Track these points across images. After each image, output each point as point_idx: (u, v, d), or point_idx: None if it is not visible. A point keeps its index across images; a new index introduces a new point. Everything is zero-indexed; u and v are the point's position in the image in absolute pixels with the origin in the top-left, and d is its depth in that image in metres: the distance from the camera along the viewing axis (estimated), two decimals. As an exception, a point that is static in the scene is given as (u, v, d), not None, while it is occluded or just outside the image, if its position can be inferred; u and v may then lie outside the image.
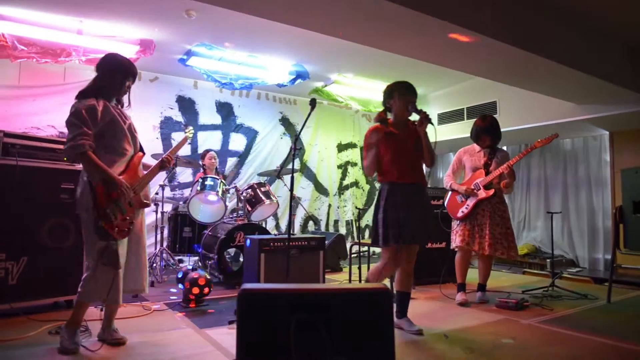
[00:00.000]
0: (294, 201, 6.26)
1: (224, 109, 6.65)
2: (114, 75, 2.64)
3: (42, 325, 2.99)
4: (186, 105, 6.35)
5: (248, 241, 3.91)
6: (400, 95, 3.15)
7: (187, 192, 6.02)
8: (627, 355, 2.73)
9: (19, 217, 3.21)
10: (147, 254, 2.83)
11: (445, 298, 4.12)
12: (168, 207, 5.45)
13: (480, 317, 3.52)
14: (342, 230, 7.65)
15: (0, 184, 3.16)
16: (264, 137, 7.00)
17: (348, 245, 5.77)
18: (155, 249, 4.94)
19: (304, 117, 7.33)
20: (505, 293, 4.26)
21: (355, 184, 8.05)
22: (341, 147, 7.91)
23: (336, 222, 7.71)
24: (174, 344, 2.77)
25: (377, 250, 7.33)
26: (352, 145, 8.06)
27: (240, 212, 5.13)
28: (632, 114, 5.51)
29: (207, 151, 5.68)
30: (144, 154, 2.83)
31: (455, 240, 4.02)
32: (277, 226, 6.92)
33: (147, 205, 2.77)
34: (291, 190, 3.27)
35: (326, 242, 5.64)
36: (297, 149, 3.39)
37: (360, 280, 4.71)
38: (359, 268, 4.57)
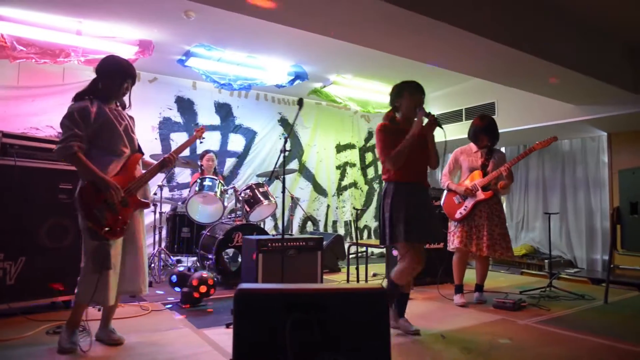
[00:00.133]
0: (292, 202, 6.28)
1: (223, 110, 6.66)
2: (113, 77, 2.66)
3: (39, 325, 3.00)
4: (185, 105, 6.36)
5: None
6: (410, 94, 3.12)
7: (185, 192, 6.03)
8: (624, 355, 2.74)
9: (18, 217, 3.22)
10: (145, 255, 2.79)
11: (442, 298, 4.13)
12: (167, 208, 5.45)
13: (477, 318, 3.53)
14: (341, 231, 7.66)
15: (-1, 184, 3.17)
16: (262, 138, 7.00)
17: (346, 245, 5.78)
18: (154, 249, 4.94)
19: (303, 119, 7.41)
20: (503, 293, 4.27)
21: (354, 184, 8.06)
22: (340, 148, 7.92)
23: (335, 222, 7.72)
24: (172, 344, 2.78)
25: (376, 250, 7.40)
26: (350, 146, 8.07)
27: (238, 212, 5.14)
28: (630, 115, 5.52)
29: (206, 152, 5.69)
30: (142, 154, 2.83)
31: (454, 242, 4.02)
32: (276, 227, 6.93)
33: (146, 205, 2.77)
34: (283, 191, 3.30)
35: (325, 242, 5.66)
36: (288, 150, 3.40)
37: (358, 281, 4.71)
38: (357, 268, 4.58)
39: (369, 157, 8.35)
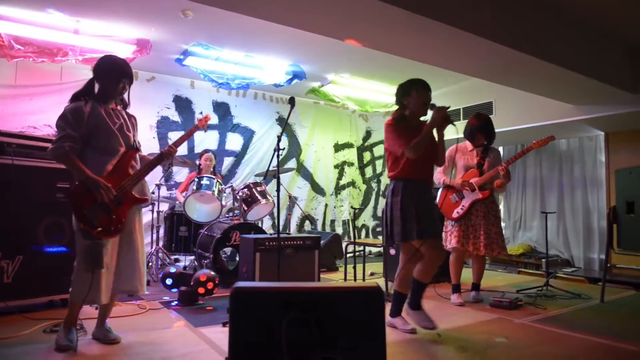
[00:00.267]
0: (290, 201, 6.29)
1: (221, 109, 6.66)
2: (109, 76, 2.68)
3: (37, 323, 3.01)
4: (183, 105, 6.35)
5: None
6: (418, 92, 3.11)
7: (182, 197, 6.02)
8: (620, 354, 2.75)
9: (15, 216, 3.23)
10: (143, 254, 2.79)
11: (439, 297, 4.14)
12: (164, 207, 5.45)
13: (474, 317, 3.54)
14: (339, 230, 7.66)
15: (-4, 183, 3.17)
16: (260, 137, 7.00)
17: (344, 244, 5.79)
18: (151, 248, 4.95)
19: (301, 118, 7.42)
20: (500, 292, 4.29)
21: (352, 183, 8.06)
22: (338, 147, 7.92)
23: (333, 221, 7.73)
24: (169, 343, 2.79)
25: (374, 249, 7.40)
26: (348, 145, 8.07)
27: (236, 211, 5.15)
28: (627, 114, 5.54)
29: (205, 151, 5.69)
30: (137, 150, 2.80)
31: (451, 242, 4.03)
32: (274, 226, 6.93)
33: (142, 200, 2.76)
34: (277, 190, 3.29)
35: (322, 241, 5.68)
36: (282, 149, 3.40)
37: (355, 280, 4.72)
38: (354, 267, 4.59)
39: (367, 156, 8.36)
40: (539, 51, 4.21)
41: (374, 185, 8.37)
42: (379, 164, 8.47)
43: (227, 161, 6.72)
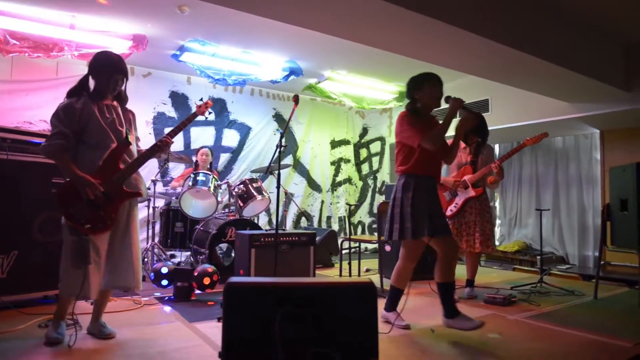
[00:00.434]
0: (286, 197, 6.30)
1: (217, 105, 6.65)
2: (102, 72, 2.69)
3: (32, 318, 3.02)
4: (180, 100, 6.35)
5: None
6: (431, 86, 3.06)
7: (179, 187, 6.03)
8: (611, 349, 2.77)
9: (10, 211, 3.22)
10: (138, 250, 2.78)
11: (434, 293, 4.15)
12: (160, 202, 5.46)
13: (468, 313, 3.51)
14: (335, 227, 7.68)
15: (-9, 178, 3.17)
16: (257, 133, 7.00)
17: (339, 241, 5.81)
18: (147, 244, 4.95)
19: (297, 114, 7.41)
20: (494, 289, 4.31)
21: (349, 180, 8.08)
22: (334, 144, 7.93)
23: (329, 218, 7.75)
24: (163, 338, 2.80)
25: (370, 246, 7.42)
26: (345, 142, 8.08)
27: (232, 207, 5.16)
28: (623, 112, 5.55)
29: (202, 147, 5.72)
30: (129, 144, 2.75)
31: None
32: (270, 222, 6.94)
33: (133, 195, 2.73)
34: (277, 187, 3.29)
35: (318, 238, 5.70)
36: (284, 146, 3.37)
37: (350, 276, 4.74)
38: (349, 264, 4.61)
39: (363, 153, 8.37)
40: (537, 50, 4.22)
41: (370, 182, 8.39)
42: (375, 160, 8.48)
43: (224, 157, 6.72)
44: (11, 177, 3.25)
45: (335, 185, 7.89)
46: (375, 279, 4.35)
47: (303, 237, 4.10)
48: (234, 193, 5.03)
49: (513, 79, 5.20)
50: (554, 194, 7.17)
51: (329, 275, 5.32)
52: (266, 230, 4.34)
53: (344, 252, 5.12)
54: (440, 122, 3.03)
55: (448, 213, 4.01)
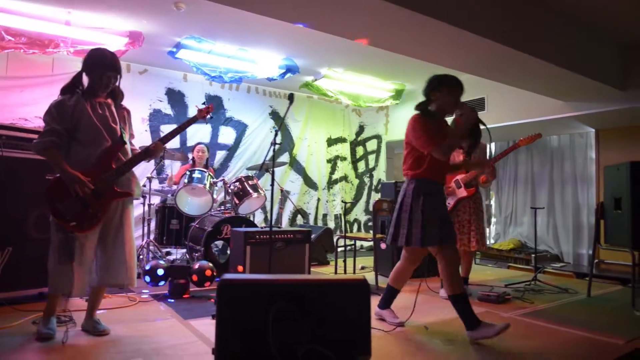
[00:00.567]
0: (282, 195, 6.30)
1: (214, 102, 6.63)
2: (94, 69, 2.68)
3: (26, 315, 3.01)
4: (176, 98, 6.34)
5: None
6: (451, 90, 2.96)
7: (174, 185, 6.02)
8: (602, 346, 2.80)
9: (4, 208, 3.22)
10: (132, 247, 2.77)
11: (429, 291, 4.18)
12: (156, 200, 5.46)
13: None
14: (331, 224, 7.69)
15: (-15, 174, 3.17)
16: (253, 131, 7.00)
17: (335, 238, 5.82)
18: (142, 241, 4.95)
19: (294, 112, 7.42)
20: (488, 287, 4.33)
21: (345, 178, 8.09)
22: (331, 142, 7.94)
23: (325, 216, 7.76)
24: (158, 335, 2.80)
25: (365, 244, 7.43)
26: (341, 140, 8.09)
27: (227, 205, 5.16)
28: (617, 112, 5.58)
29: (198, 144, 5.72)
30: (124, 144, 2.76)
31: None
32: (267, 219, 6.95)
33: (124, 195, 2.73)
34: (272, 184, 3.28)
35: (314, 235, 5.71)
36: (278, 144, 3.37)
37: (345, 273, 4.76)
38: (344, 261, 4.62)
39: (359, 151, 8.38)
40: (533, 49, 4.24)
41: (366, 179, 8.40)
42: (371, 158, 8.50)
43: (220, 155, 6.72)
44: (6, 174, 3.25)
45: (331, 183, 7.90)
46: (371, 276, 4.36)
47: (298, 234, 4.11)
48: (229, 190, 5.04)
49: (509, 77, 5.21)
50: (549, 192, 7.20)
51: (325, 272, 5.33)
52: (262, 228, 4.35)
53: (339, 249, 5.13)
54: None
55: None
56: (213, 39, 5.28)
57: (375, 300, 3.60)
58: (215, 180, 5.09)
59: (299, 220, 7.28)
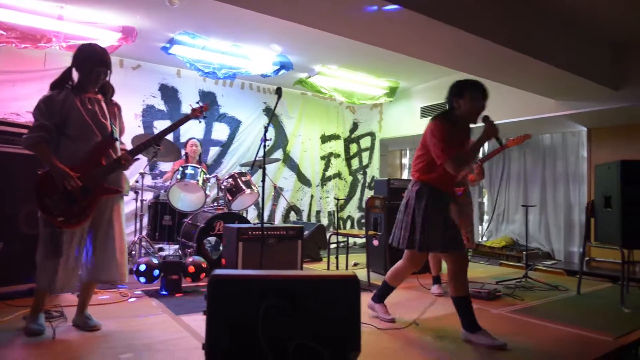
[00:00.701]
0: (275, 191, 6.31)
1: (207, 98, 6.63)
2: (84, 65, 2.67)
3: (17, 310, 3.00)
4: (169, 93, 6.32)
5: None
6: (473, 97, 2.81)
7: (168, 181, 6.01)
8: (591, 343, 2.82)
9: (-5, 203, 3.21)
10: (122, 244, 2.76)
11: (421, 288, 4.20)
12: (148, 195, 5.44)
13: (452, 307, 3.57)
14: (324, 221, 7.70)
15: (-24, 169, 3.15)
16: (247, 127, 6.99)
17: (327, 235, 5.83)
18: (135, 236, 4.95)
19: (288, 109, 7.42)
20: (480, 283, 4.36)
21: (338, 175, 8.10)
22: (325, 139, 7.95)
23: (318, 212, 7.77)
24: (149, 330, 2.81)
25: (359, 241, 7.45)
26: (335, 137, 8.10)
27: (220, 201, 5.16)
28: (609, 111, 5.63)
29: (190, 139, 5.70)
30: (115, 140, 2.75)
31: None
32: (260, 216, 6.95)
33: (113, 192, 2.72)
34: (263, 180, 3.29)
35: (307, 232, 5.72)
36: (268, 140, 3.37)
37: (337, 269, 4.77)
38: (337, 258, 4.64)
39: (353, 148, 8.39)
40: (526, 48, 4.27)
41: (360, 177, 8.42)
42: (365, 156, 8.51)
43: (213, 151, 6.71)
44: (-3, 168, 3.23)
45: (324, 180, 7.91)
46: (363, 273, 4.38)
47: (291, 231, 4.12)
48: (222, 186, 5.04)
49: (502, 76, 5.24)
50: (541, 190, 7.25)
51: (317, 269, 5.34)
52: (254, 224, 4.36)
53: (332, 246, 5.14)
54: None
55: None
56: (207, 34, 5.27)
57: (366, 297, 3.62)
58: (208, 176, 5.09)
59: (292, 216, 7.28)
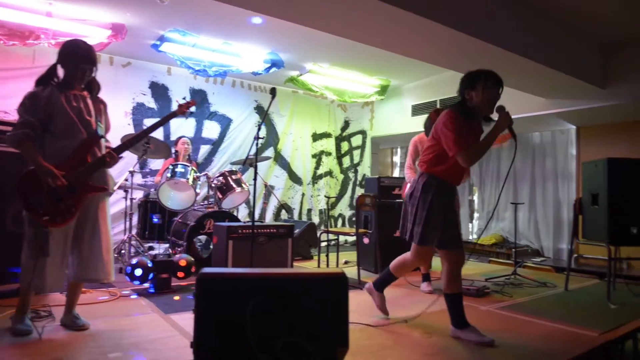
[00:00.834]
0: (266, 189, 6.31)
1: (198, 96, 6.61)
2: (69, 61, 2.64)
3: (4, 310, 2.98)
4: (159, 91, 6.29)
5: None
6: (486, 87, 2.72)
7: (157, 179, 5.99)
8: (577, 338, 2.85)
9: (-18, 202, 3.18)
10: (108, 242, 2.75)
11: (409, 285, 4.23)
12: (138, 194, 5.42)
13: (441, 304, 3.57)
14: (316, 219, 7.72)
15: (-37, 167, 3.12)
16: (238, 125, 6.98)
17: (318, 233, 5.84)
18: (124, 235, 4.92)
19: (279, 107, 7.41)
20: (469, 281, 4.38)
21: (329, 173, 8.11)
22: (316, 137, 7.95)
23: (309, 210, 7.78)
24: (138, 329, 2.80)
25: (350, 239, 7.47)
26: (326, 135, 8.11)
27: (211, 199, 5.15)
28: (597, 109, 5.69)
29: (181, 137, 5.68)
30: (100, 137, 2.73)
31: None
32: (251, 214, 6.95)
33: (99, 190, 2.70)
34: (255, 179, 3.29)
35: (297, 230, 5.72)
36: (261, 138, 3.35)
37: (328, 267, 4.78)
38: (327, 256, 4.65)
39: (344, 146, 8.41)
40: (516, 47, 4.31)
41: (351, 175, 8.44)
42: (356, 154, 8.53)
43: (204, 149, 6.69)
44: (-16, 167, 3.20)
45: (316, 178, 7.92)
46: (354, 270, 4.39)
47: (281, 229, 4.12)
48: (213, 185, 5.03)
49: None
50: (531, 188, 7.31)
51: (308, 267, 5.35)
52: (245, 223, 4.35)
53: (323, 244, 5.16)
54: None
55: None
56: (197, 32, 5.26)
57: (355, 294, 3.63)
58: (198, 174, 5.08)
59: (284, 215, 7.28)
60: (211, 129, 6.76)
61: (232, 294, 1.92)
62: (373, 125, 8.50)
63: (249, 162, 5.03)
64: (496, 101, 2.75)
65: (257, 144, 3.38)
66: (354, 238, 7.29)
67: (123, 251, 4.77)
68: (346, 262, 5.58)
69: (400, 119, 7.77)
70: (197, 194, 4.91)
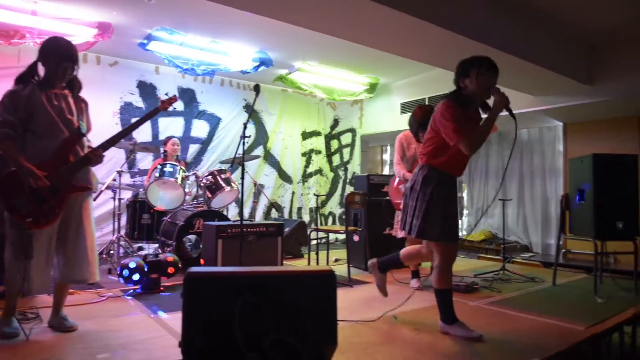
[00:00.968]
0: (256, 188, 6.30)
1: (187, 95, 6.58)
2: (50, 59, 2.60)
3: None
4: (147, 90, 6.24)
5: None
6: (480, 73, 2.68)
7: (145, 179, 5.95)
8: (563, 332, 2.88)
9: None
10: (92, 242, 2.72)
11: (398, 283, 4.24)
12: (127, 194, 5.39)
13: (430, 300, 3.60)
14: (306, 218, 7.72)
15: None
16: (227, 124, 6.96)
17: (308, 231, 5.84)
18: (113, 236, 4.89)
19: (268, 105, 7.40)
20: (458, 277, 4.40)
21: (319, 171, 8.12)
22: (305, 135, 7.95)
23: (299, 209, 7.78)
24: (127, 330, 2.78)
25: (340, 237, 7.48)
26: (316, 133, 8.11)
27: (200, 199, 5.13)
28: (583, 106, 5.75)
29: (170, 138, 5.65)
30: (82, 136, 2.69)
31: (401, 231, 4.06)
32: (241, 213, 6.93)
33: (83, 189, 2.67)
34: (242, 178, 3.28)
35: (287, 229, 5.72)
36: (247, 137, 3.35)
37: (318, 264, 4.79)
38: (317, 254, 4.66)
39: (334, 144, 8.41)
40: (504, 45, 4.34)
41: (341, 173, 8.45)
42: (346, 152, 8.54)
43: (193, 148, 6.66)
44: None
45: (306, 177, 7.92)
46: (344, 268, 4.40)
47: (271, 227, 4.13)
48: (202, 184, 5.01)
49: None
50: (519, 184, 7.38)
51: (298, 265, 5.35)
52: (234, 222, 4.35)
53: (313, 242, 5.16)
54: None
55: (402, 206, 4.04)
56: (185, 30, 5.23)
57: (343, 292, 3.64)
58: (187, 174, 5.06)
59: (274, 213, 7.28)
60: (200, 128, 6.73)
61: (220, 292, 1.91)
62: (362, 123, 8.52)
63: (238, 162, 5.02)
64: (491, 86, 2.72)
65: (243, 143, 3.37)
66: (344, 236, 7.32)
67: (112, 252, 4.74)
68: (336, 260, 5.59)
69: (389, 116, 7.79)
70: (186, 194, 4.89)
